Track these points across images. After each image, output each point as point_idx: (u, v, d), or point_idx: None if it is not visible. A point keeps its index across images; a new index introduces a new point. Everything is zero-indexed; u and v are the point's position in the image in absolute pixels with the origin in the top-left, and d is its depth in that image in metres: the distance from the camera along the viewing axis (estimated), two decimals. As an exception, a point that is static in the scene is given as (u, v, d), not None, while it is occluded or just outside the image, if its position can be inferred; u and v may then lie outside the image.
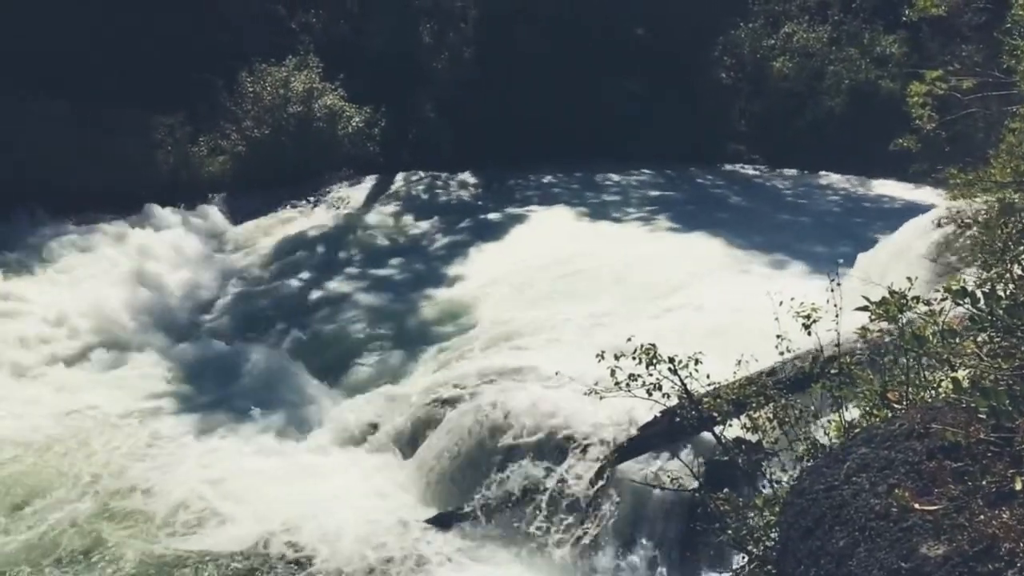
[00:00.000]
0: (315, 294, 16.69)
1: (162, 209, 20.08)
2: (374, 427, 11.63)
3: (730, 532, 4.88)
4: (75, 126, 19.85)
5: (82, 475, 10.81)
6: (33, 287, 16.04)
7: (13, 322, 14.68)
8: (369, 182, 23.60)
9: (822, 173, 25.94)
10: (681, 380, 5.46)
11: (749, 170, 26.85)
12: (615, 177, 24.61)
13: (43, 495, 10.34)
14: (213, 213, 20.98)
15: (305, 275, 17.70)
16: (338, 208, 21.90)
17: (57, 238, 17.94)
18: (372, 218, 21.29)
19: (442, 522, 9.83)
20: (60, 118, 19.63)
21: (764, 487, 5.20)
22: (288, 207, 21.81)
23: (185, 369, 13.76)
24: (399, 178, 24.25)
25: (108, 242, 18.13)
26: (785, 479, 5.00)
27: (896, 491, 2.87)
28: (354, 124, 23.33)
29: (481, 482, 10.07)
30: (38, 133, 19.29)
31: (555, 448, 9.78)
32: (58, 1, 20.80)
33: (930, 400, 3.80)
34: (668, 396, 5.49)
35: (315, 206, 22.05)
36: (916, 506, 2.78)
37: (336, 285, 16.96)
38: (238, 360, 13.87)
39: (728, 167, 26.84)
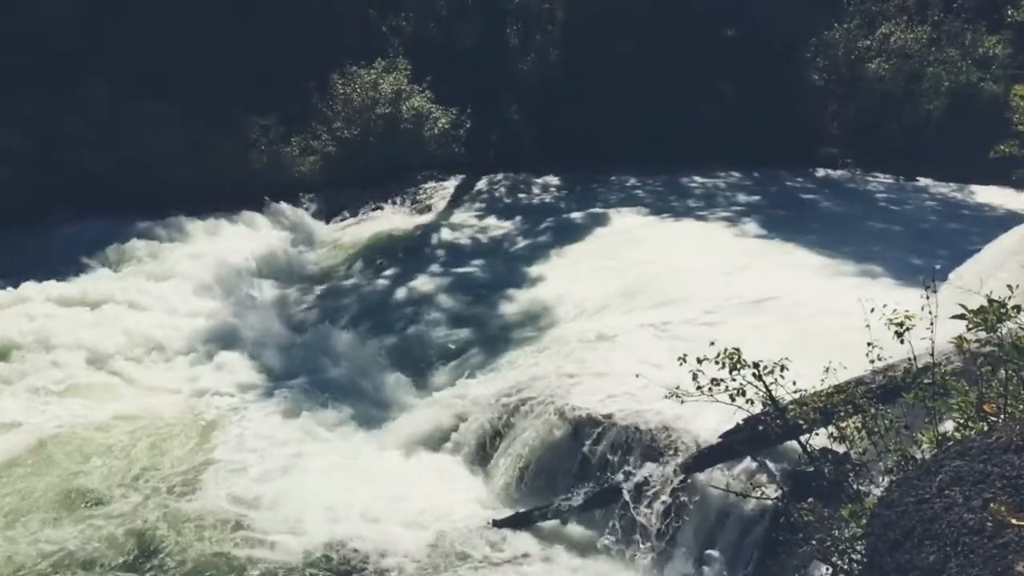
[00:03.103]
0: (398, 293, 16.96)
1: (255, 207, 20.74)
2: (453, 427, 11.69)
3: (814, 543, 4.76)
4: (178, 127, 20.71)
5: (149, 472, 10.84)
6: (124, 283, 16.45)
7: (101, 318, 14.96)
8: (454, 182, 23.90)
9: (919, 178, 25.07)
10: (766, 386, 5.34)
11: (842, 174, 26.13)
12: (700, 180, 24.26)
13: (108, 493, 10.34)
14: (303, 211, 21.58)
15: (389, 274, 18.02)
16: (423, 208, 22.24)
17: (154, 233, 18.66)
18: (456, 218, 21.54)
19: (518, 523, 9.87)
20: (165, 119, 20.51)
21: (851, 499, 5.05)
22: (375, 206, 22.28)
23: (268, 366, 14.04)
24: (483, 179, 24.47)
25: (203, 238, 18.80)
26: (873, 491, 4.86)
27: (992, 506, 2.75)
28: (440, 125, 23.66)
29: (558, 484, 10.08)
30: (145, 133, 20.23)
31: (635, 452, 9.71)
32: (165, 10, 21.74)
33: (1031, 414, 3.64)
34: (752, 402, 5.38)
35: (401, 206, 22.47)
36: (1013, 522, 2.66)
37: (419, 284, 17.20)
38: (322, 357, 14.17)
39: (820, 171, 26.16)
